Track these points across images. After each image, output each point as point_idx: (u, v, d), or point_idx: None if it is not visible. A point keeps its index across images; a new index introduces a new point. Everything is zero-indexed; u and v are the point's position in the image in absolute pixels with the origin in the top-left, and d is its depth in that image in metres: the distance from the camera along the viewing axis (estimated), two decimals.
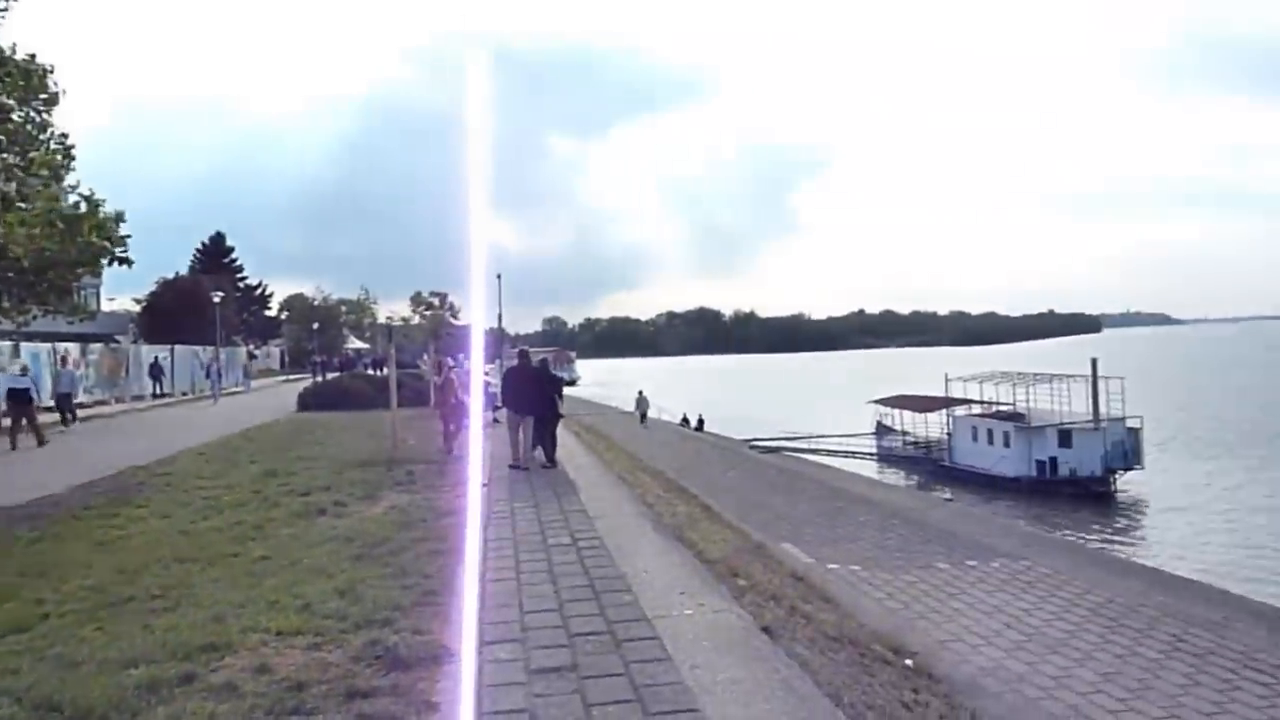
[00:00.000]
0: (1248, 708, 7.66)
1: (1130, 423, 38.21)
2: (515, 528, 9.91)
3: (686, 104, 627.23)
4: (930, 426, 47.47)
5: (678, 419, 57.55)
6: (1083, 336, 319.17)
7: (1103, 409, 38.25)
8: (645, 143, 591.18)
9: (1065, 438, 37.86)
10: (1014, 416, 41.19)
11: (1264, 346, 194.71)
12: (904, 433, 49.84)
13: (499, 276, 46.73)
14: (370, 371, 49.05)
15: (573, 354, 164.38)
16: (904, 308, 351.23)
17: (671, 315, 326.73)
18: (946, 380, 47.49)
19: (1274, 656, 9.27)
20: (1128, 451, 37.67)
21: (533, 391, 15.14)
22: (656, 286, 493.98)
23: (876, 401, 52.53)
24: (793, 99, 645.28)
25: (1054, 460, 37.70)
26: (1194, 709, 7.63)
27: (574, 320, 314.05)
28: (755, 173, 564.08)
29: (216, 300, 50.38)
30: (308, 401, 33.64)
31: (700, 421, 56.48)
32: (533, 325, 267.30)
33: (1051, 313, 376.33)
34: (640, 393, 54.35)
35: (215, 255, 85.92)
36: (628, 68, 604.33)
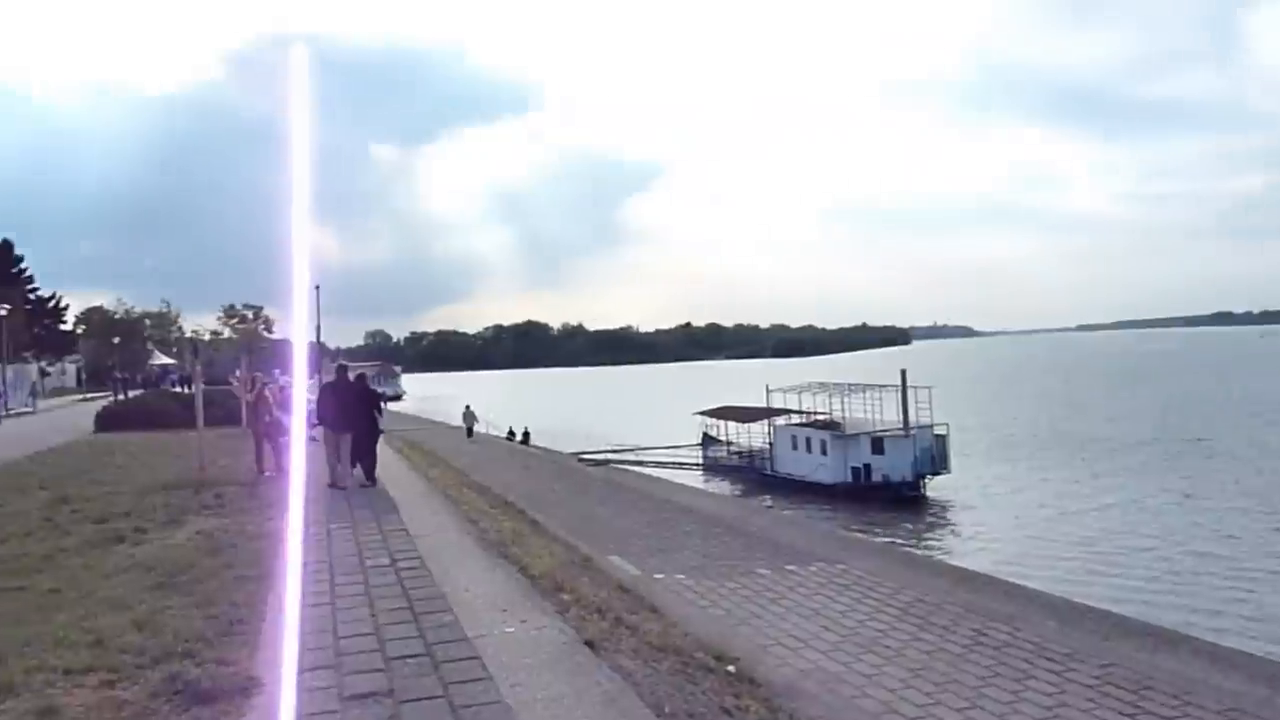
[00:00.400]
0: (1040, 694, 8.22)
1: (938, 430, 40.46)
2: (331, 550, 9.57)
3: (515, 114, 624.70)
4: (753, 436, 48.64)
5: (505, 433, 57.13)
6: (894, 349, 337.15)
7: (912, 417, 40.33)
8: (473, 152, 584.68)
9: (878, 445, 39.70)
10: (831, 425, 42.91)
11: (1054, 355, 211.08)
12: (728, 443, 51.03)
13: (317, 288, 45.04)
14: (177, 389, 46.45)
15: (398, 368, 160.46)
16: (728, 321, 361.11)
17: (500, 328, 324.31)
18: (768, 391, 48.97)
19: (1063, 646, 9.98)
20: (935, 457, 39.82)
21: (350, 407, 14.69)
22: (485, 299, 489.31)
23: (702, 413, 53.61)
24: (621, 112, 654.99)
25: (868, 467, 39.44)
26: (994, 698, 8.13)
27: (399, 334, 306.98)
28: (584, 185, 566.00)
29: (2, 314, 46.60)
30: (107, 421, 31.57)
31: (526, 434, 56.18)
32: (355, 339, 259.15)
33: (865, 326, 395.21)
34: (467, 407, 53.57)
35: (2, 265, 79.44)
36: (455, 76, 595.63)
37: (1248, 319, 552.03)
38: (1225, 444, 50.48)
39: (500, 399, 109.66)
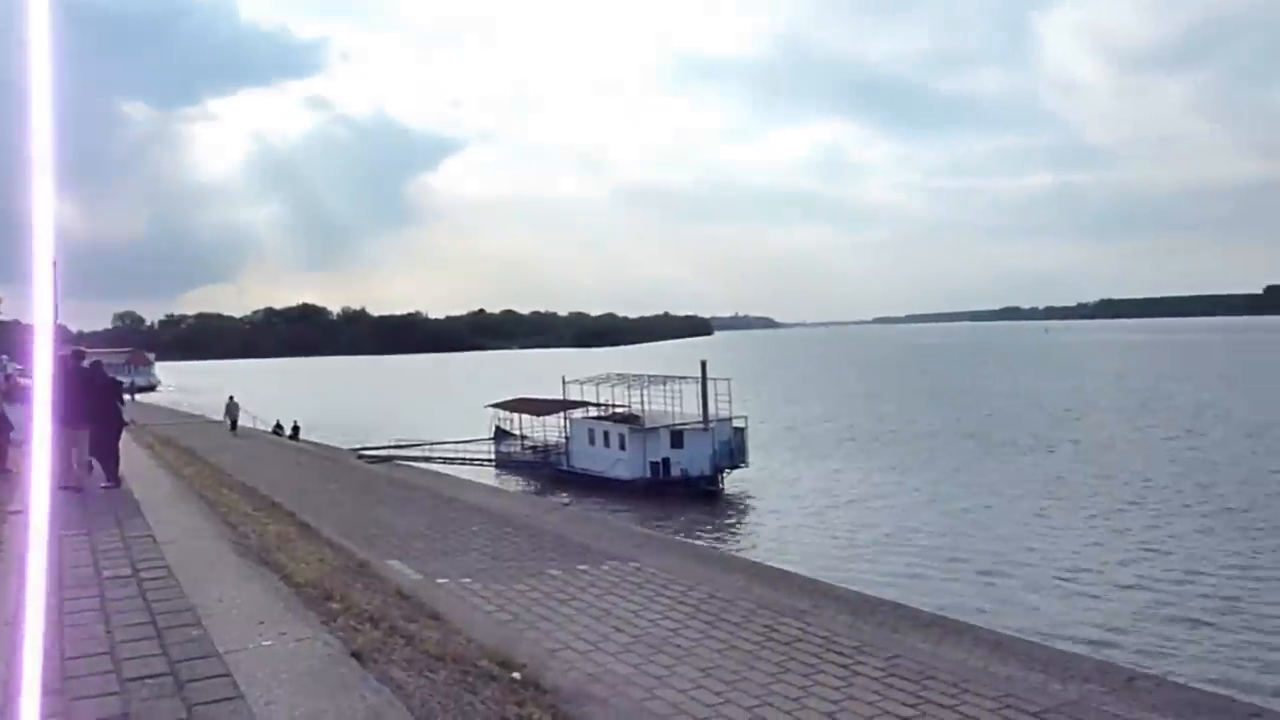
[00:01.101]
0: (827, 688, 8.60)
1: (736, 422, 41.88)
2: (62, 560, 8.89)
3: (295, 77, 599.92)
4: (549, 430, 48.97)
5: (273, 427, 54.94)
6: (696, 339, 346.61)
7: (712, 409, 41.58)
8: (245, 117, 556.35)
9: (677, 439, 40.69)
10: (629, 419, 43.62)
11: (850, 348, 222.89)
12: (522, 437, 50.99)
13: (54, 264, 41.82)
14: None
15: (151, 356, 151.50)
16: (524, 308, 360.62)
17: (271, 312, 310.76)
18: (564, 383, 49.27)
19: (853, 639, 10.48)
20: (734, 450, 41.22)
21: (87, 399, 13.69)
22: (254, 280, 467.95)
23: (494, 405, 53.33)
24: (414, 81, 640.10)
25: (666, 461, 40.36)
26: (782, 694, 8.44)
27: (154, 317, 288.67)
28: (370, 158, 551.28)
29: None
30: None
31: (295, 429, 54.24)
32: (102, 322, 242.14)
33: (667, 315, 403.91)
34: (231, 398, 51.29)
35: None
36: (224, 30, 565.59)
37: (1034, 314, 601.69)
38: (1006, 434, 54.89)
39: (271, 390, 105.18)
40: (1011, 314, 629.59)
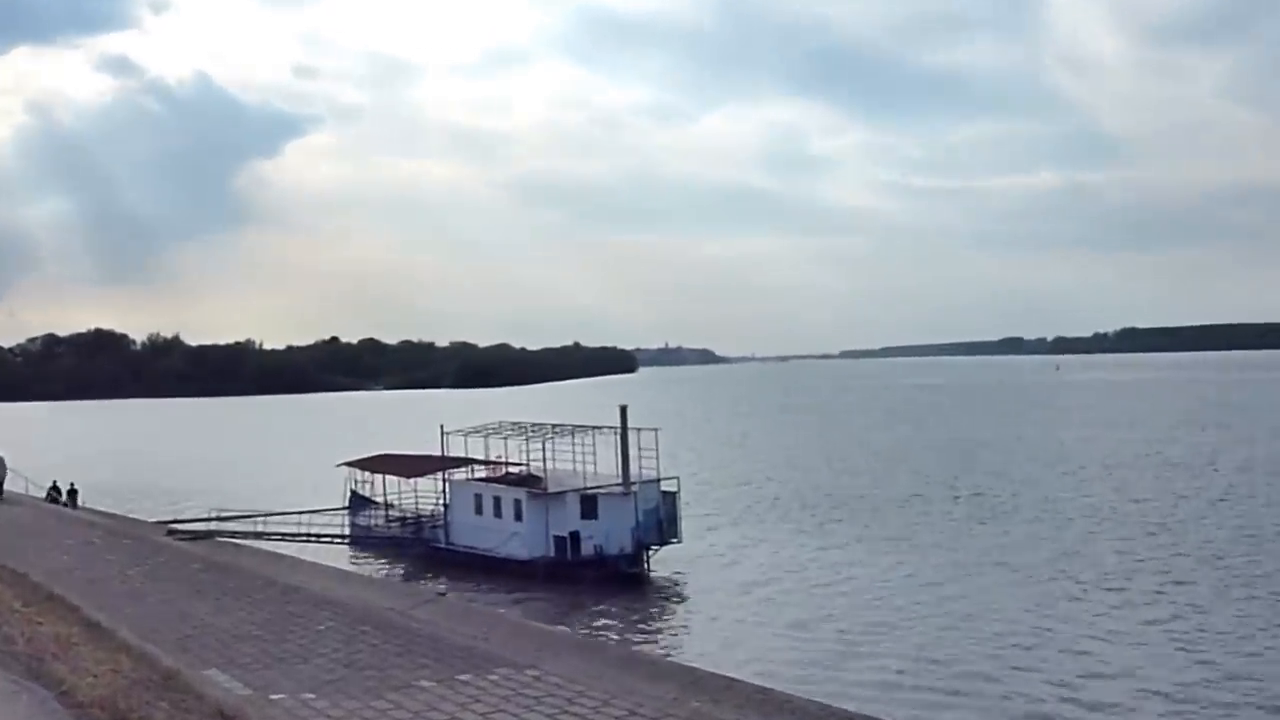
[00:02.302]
0: None
1: (666, 485, 41.91)
2: None
3: (86, 32, 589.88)
4: (421, 496, 48.52)
5: (49, 492, 53.59)
6: (615, 377, 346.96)
7: (634, 469, 41.58)
8: (17, 83, 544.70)
9: (590, 506, 40.59)
10: (528, 480, 43.41)
11: (810, 389, 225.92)
12: (387, 505, 50.39)
13: None
14: None
15: None
16: (391, 336, 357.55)
17: (53, 341, 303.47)
18: (443, 433, 48.89)
19: None
20: (663, 521, 41.27)
21: None
22: (29, 300, 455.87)
23: (349, 464, 52.67)
24: (253, 39, 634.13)
25: (575, 535, 40.25)
26: None
27: None
28: (191, 140, 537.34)
29: None
30: None
31: (73, 493, 53.04)
32: None
33: (578, 347, 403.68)
34: None
35: None
36: None
37: (1040, 347, 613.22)
38: (1002, 500, 55.90)
39: (52, 442, 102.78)
40: (1013, 346, 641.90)
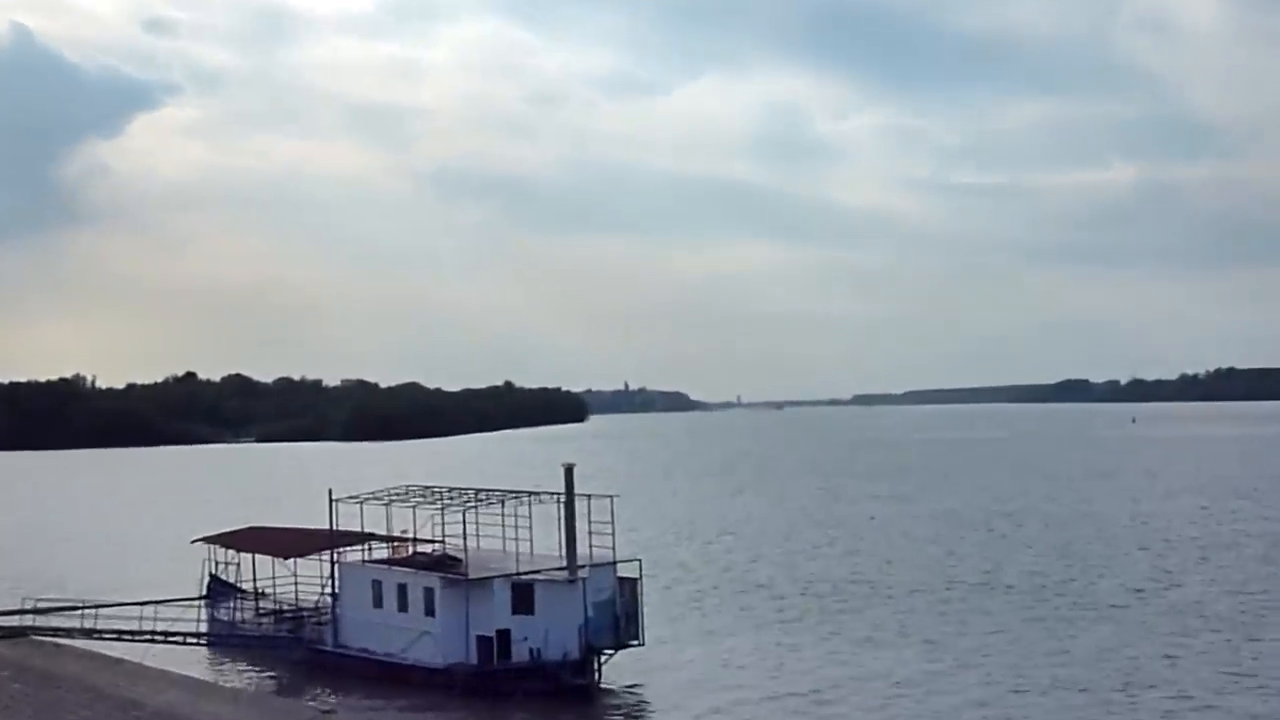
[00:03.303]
0: None
1: (624, 569, 41.79)
2: None
3: None
4: (303, 582, 48.35)
5: None
6: (561, 428, 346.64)
7: (582, 548, 41.40)
8: None
9: (524, 598, 40.35)
10: (443, 563, 43.11)
11: (811, 442, 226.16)
12: (258, 594, 50.04)
13: None
14: None
15: None
16: (266, 372, 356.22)
17: None
18: (332, 500, 48.62)
19: None
20: (620, 617, 41.10)
21: None
22: None
23: (209, 540, 52.30)
24: None
25: (506, 635, 39.93)
26: None
27: None
28: (6, 113, 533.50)
29: None
30: None
31: None
32: None
33: (510, 388, 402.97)
34: None
35: None
36: None
37: (1110, 392, 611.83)
38: (1063, 589, 56.19)
39: None
40: (1076, 392, 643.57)
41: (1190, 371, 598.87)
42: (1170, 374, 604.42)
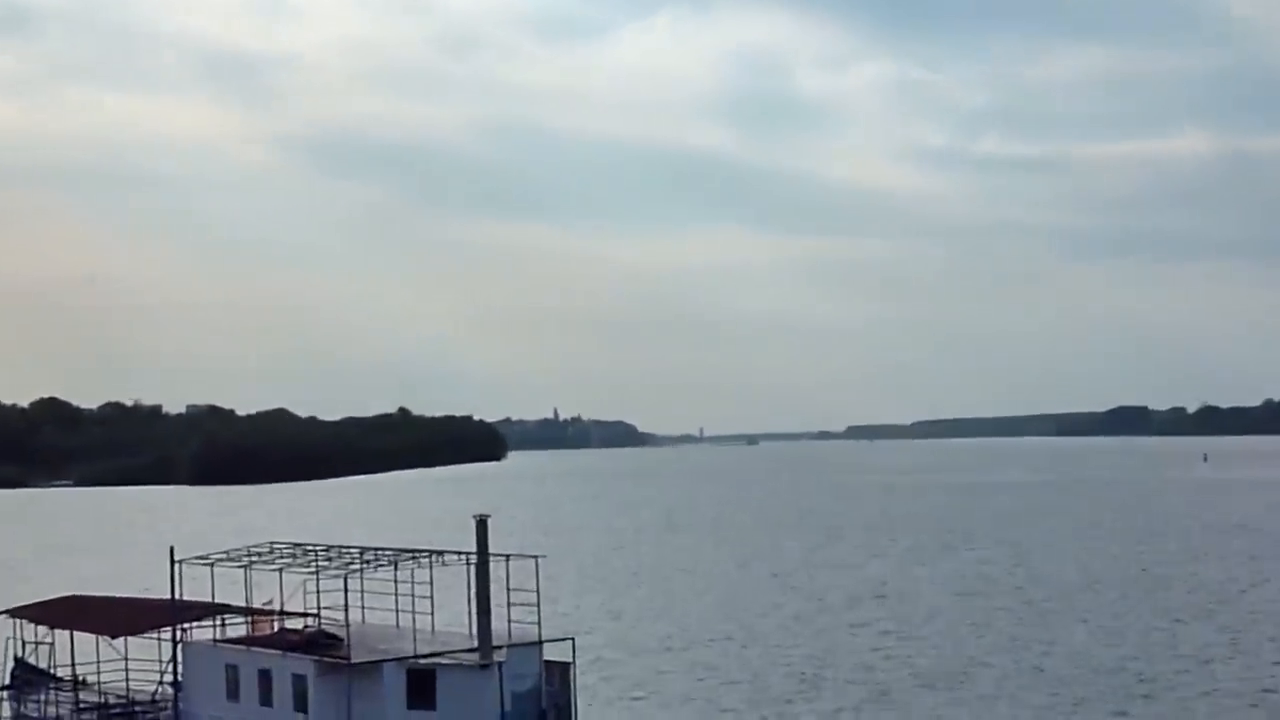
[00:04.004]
0: None
1: (553, 650, 41.82)
2: None
3: None
4: (136, 666, 48.19)
5: None
6: (472, 467, 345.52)
7: (499, 625, 41.41)
8: None
9: (423, 687, 40.32)
10: (318, 642, 43.03)
11: (791, 480, 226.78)
12: (77, 682, 49.78)
13: None
14: None
15: None
16: (88, 398, 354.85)
17: None
18: (175, 561, 48.53)
19: None
20: (547, 711, 41.18)
21: None
22: None
23: (13, 613, 52.03)
24: None
25: None
26: None
27: None
28: None
29: None
30: None
31: None
32: None
33: (405, 416, 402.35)
34: None
35: None
36: None
37: (1176, 422, 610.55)
38: (1092, 681, 56.68)
39: None
40: (1131, 421, 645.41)
41: (1275, 398, 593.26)
42: (1251, 400, 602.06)
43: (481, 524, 41.92)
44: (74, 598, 53.46)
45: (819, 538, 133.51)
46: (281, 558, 48.09)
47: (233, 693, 43.38)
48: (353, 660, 41.20)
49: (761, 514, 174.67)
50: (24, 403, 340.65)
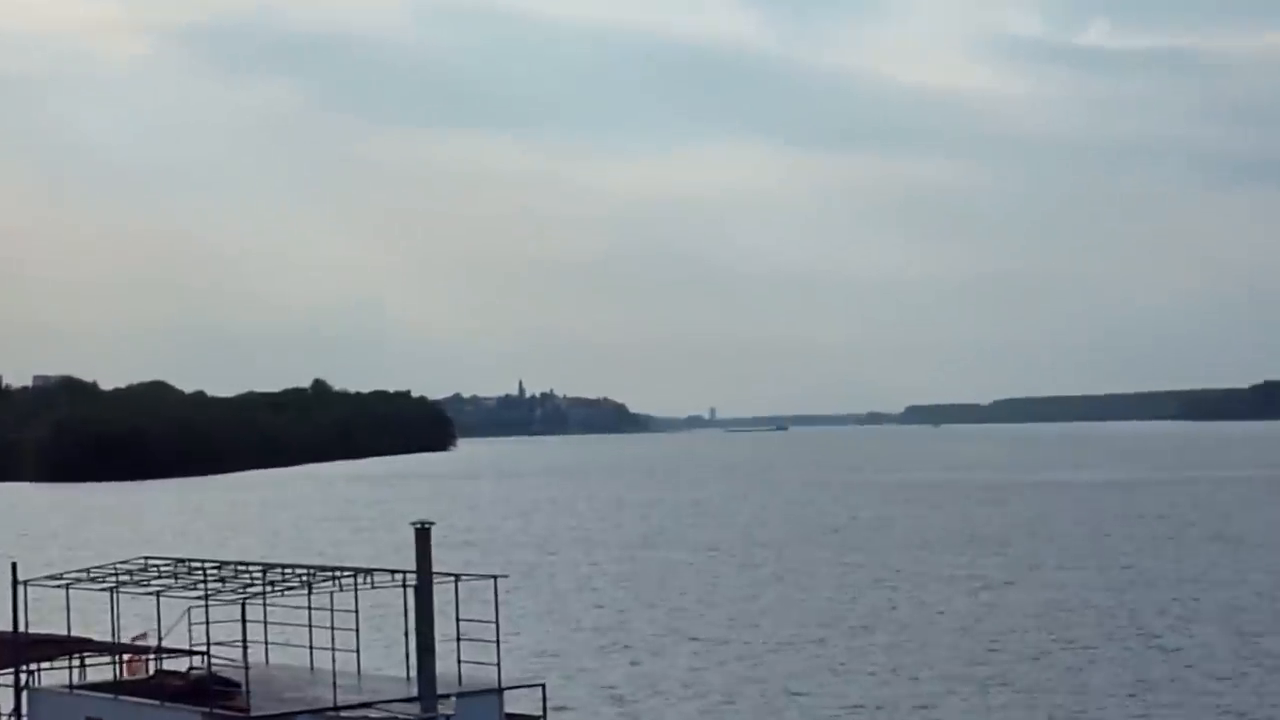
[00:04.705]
0: None
1: (517, 698, 42.18)
2: None
3: None
4: None
5: None
6: (410, 458, 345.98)
7: (446, 662, 41.70)
8: None
9: None
10: (207, 688, 43.28)
11: (823, 477, 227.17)
12: None
13: None
14: None
15: None
16: None
17: None
18: (18, 581, 48.78)
19: None
20: None
21: None
22: None
23: None
24: None
25: None
26: None
27: None
28: None
29: None
30: None
31: None
32: None
33: (321, 390, 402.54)
34: None
35: None
36: None
37: None
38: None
39: None
40: (1273, 398, 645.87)
41: None
42: None
43: (423, 534, 41.94)
44: None
45: (879, 549, 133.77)
46: (160, 578, 48.14)
47: None
48: (253, 713, 41.39)
49: (798, 517, 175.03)
50: None
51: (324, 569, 46.38)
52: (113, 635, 47.41)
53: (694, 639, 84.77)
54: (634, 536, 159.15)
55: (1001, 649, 76.28)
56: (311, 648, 44.85)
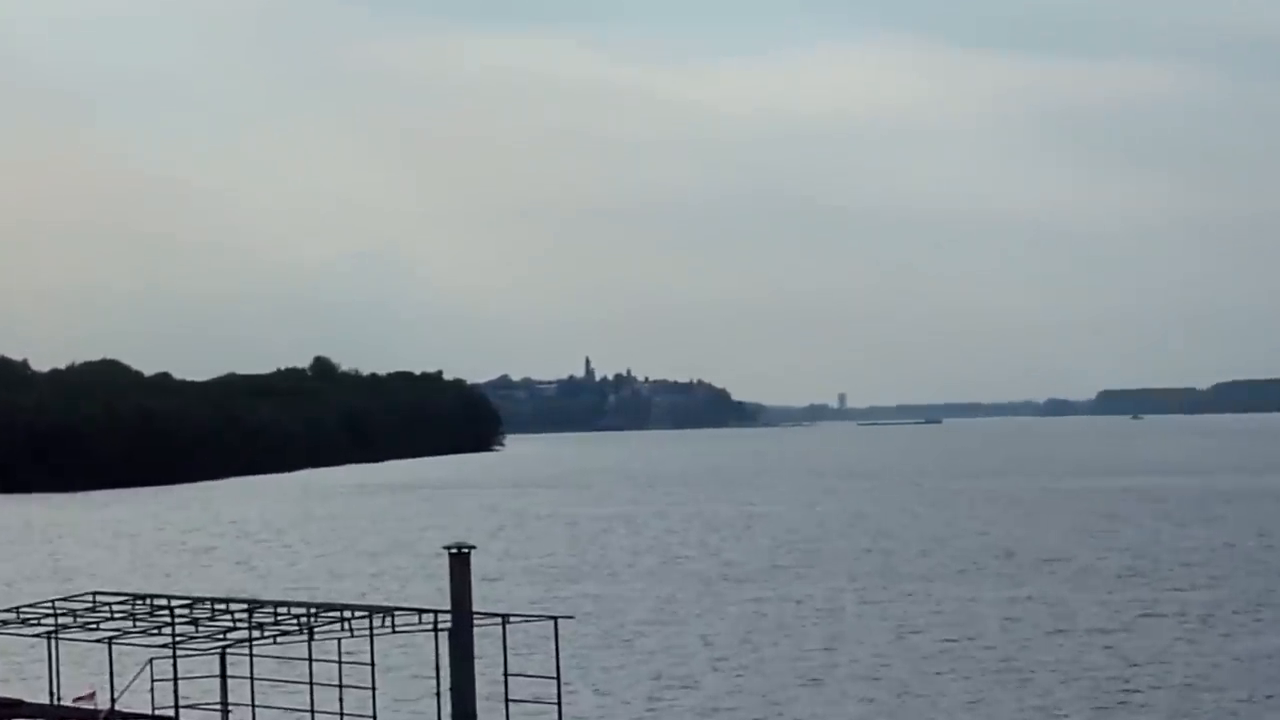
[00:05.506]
0: None
1: None
2: None
3: None
4: None
5: None
6: (444, 459, 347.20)
7: None
8: None
9: None
10: None
11: (1011, 483, 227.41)
12: None
13: None
14: None
15: None
16: None
17: None
18: None
19: None
20: None
21: None
22: None
23: None
24: None
25: None
26: None
27: None
28: None
29: None
30: None
31: None
32: None
33: (326, 370, 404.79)
34: None
35: None
36: None
37: None
38: None
39: None
40: None
41: None
42: None
43: (460, 560, 42.29)
44: None
45: (1034, 591, 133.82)
46: (112, 619, 48.55)
47: None
48: None
49: (945, 548, 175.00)
50: None
51: (329, 607, 46.71)
52: (51, 695, 47.82)
53: (815, 698, 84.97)
54: (742, 563, 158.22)
55: None
56: (313, 711, 45.16)
